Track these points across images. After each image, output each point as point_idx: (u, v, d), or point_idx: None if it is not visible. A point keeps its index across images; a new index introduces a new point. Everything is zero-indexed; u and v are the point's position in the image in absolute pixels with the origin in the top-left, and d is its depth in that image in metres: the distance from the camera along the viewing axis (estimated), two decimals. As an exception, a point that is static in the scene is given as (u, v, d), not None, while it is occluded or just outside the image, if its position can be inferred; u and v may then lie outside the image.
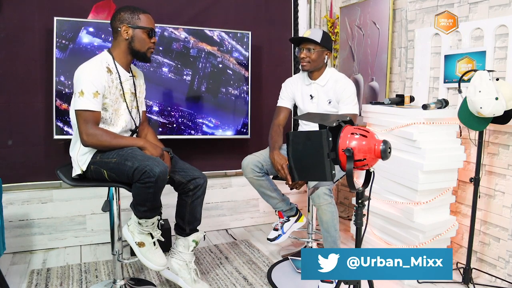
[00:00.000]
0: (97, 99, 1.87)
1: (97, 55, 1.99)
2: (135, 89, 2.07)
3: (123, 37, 1.95)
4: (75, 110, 1.88)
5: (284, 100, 2.56)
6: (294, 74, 3.35)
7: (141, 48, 1.98)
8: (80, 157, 1.95)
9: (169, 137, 2.82)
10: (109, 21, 2.02)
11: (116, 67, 1.97)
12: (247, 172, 2.40)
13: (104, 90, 1.89)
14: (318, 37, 2.35)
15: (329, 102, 2.42)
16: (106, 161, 1.89)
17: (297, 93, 2.52)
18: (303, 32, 3.38)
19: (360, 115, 2.83)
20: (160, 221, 2.04)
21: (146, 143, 1.95)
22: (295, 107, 2.65)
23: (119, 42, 1.98)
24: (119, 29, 1.94)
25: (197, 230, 2.20)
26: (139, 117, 2.13)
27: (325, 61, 2.43)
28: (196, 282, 2.15)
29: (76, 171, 1.96)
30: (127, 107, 2.02)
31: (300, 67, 2.47)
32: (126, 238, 2.00)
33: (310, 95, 2.47)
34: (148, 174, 1.77)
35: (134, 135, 2.12)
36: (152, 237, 2.00)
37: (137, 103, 2.09)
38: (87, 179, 1.99)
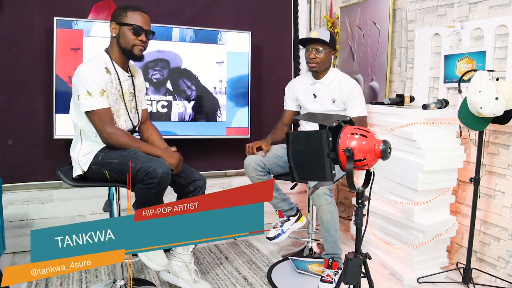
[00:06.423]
0: (104, 97, 1.88)
1: (94, 55, 1.98)
2: (134, 89, 2.07)
3: (112, 35, 1.97)
4: (86, 112, 1.88)
5: (288, 104, 2.63)
6: (294, 73, 3.36)
7: (126, 45, 1.95)
8: (82, 158, 1.95)
9: (169, 137, 2.81)
10: (109, 21, 2.02)
11: (114, 67, 1.97)
12: (249, 171, 2.40)
13: (106, 88, 1.90)
14: (326, 38, 2.35)
15: (333, 101, 2.43)
16: (108, 162, 1.89)
17: (300, 92, 2.54)
18: (303, 32, 3.38)
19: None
20: None
21: (164, 153, 1.94)
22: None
23: (111, 40, 1.99)
24: (110, 27, 1.96)
25: None
26: (138, 117, 2.12)
27: (331, 61, 2.46)
28: (196, 283, 2.14)
29: (77, 171, 1.96)
30: (125, 108, 2.01)
31: (308, 67, 2.45)
32: None
33: (314, 94, 2.48)
34: (151, 175, 1.78)
35: (135, 135, 2.11)
36: None
37: (135, 103, 2.08)
38: (87, 179, 1.98)
